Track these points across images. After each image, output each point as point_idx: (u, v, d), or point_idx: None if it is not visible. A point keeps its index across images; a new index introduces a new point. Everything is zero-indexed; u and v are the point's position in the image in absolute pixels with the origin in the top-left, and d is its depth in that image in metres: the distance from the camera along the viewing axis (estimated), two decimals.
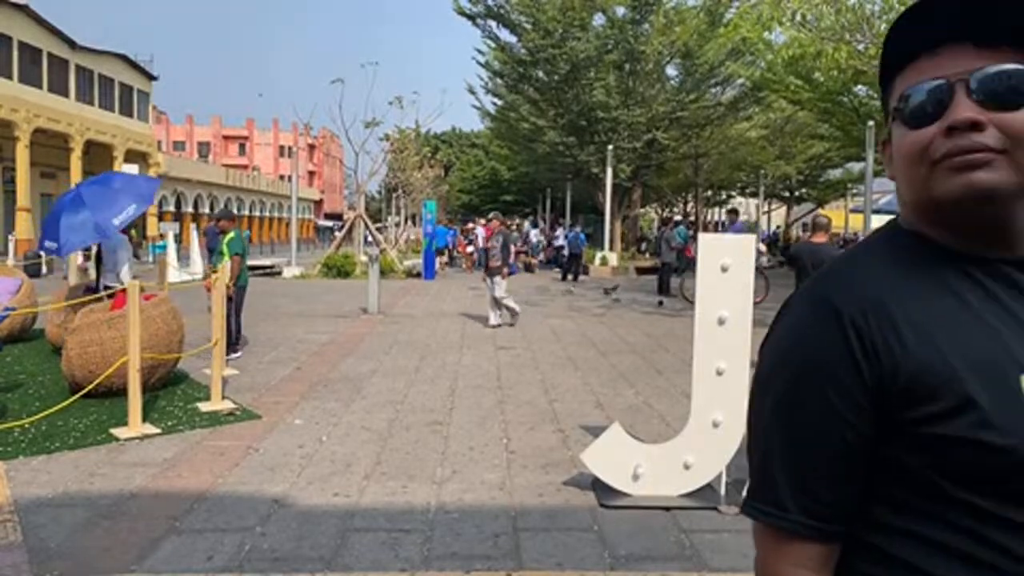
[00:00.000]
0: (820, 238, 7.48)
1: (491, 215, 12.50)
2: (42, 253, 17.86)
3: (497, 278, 10.89)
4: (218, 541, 3.48)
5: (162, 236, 27.24)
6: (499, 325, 10.81)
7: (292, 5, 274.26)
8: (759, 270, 16.20)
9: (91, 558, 3.30)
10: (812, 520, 0.84)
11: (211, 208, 49.02)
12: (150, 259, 25.58)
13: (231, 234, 8.30)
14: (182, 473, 4.39)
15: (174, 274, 15.38)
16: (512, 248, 11.37)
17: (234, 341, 8.17)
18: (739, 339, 4.06)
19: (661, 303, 14.71)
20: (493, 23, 24.98)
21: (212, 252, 8.11)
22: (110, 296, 6.64)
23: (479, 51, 27.09)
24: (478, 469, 4.59)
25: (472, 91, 36.47)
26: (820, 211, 15.10)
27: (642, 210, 40.33)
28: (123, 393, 5.37)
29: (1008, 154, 0.79)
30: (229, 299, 8.10)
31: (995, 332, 0.80)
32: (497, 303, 10.97)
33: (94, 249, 8.01)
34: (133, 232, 8.74)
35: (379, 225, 32.87)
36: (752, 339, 4.15)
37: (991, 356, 0.79)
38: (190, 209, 45.60)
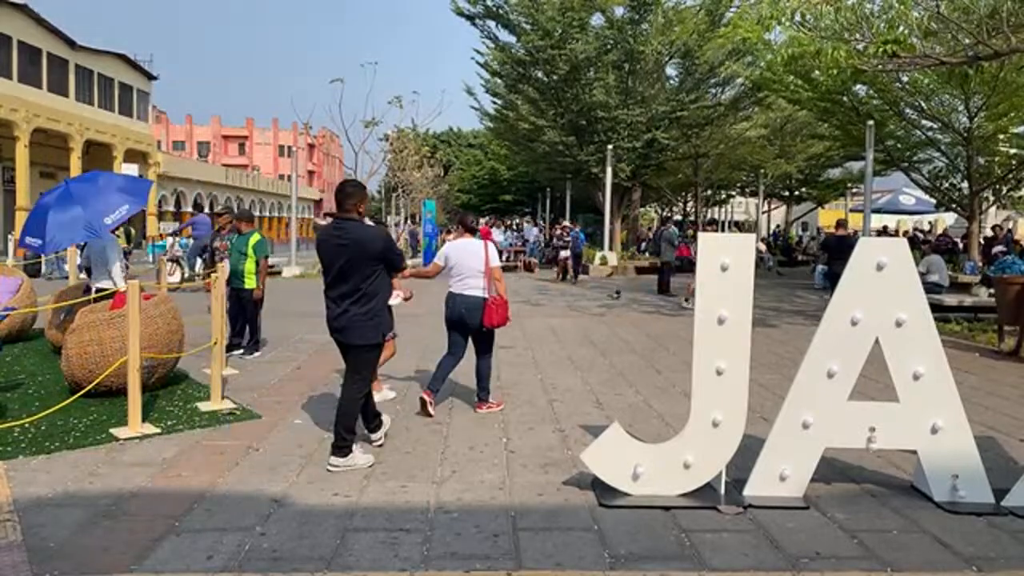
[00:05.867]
0: (842, 231, 12.76)
1: (220, 210, 11.00)
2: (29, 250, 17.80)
3: None
4: (218, 541, 3.49)
5: (162, 236, 27.27)
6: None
7: (293, 5, 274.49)
8: None
9: (91, 558, 3.30)
10: None
11: (211, 208, 48.99)
12: (149, 259, 25.58)
13: (256, 236, 8.30)
14: (182, 473, 4.39)
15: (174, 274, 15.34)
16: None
17: (255, 341, 8.30)
18: (739, 339, 4.07)
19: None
20: (492, 23, 24.96)
21: (206, 249, 8.03)
22: (104, 297, 6.62)
23: (478, 51, 27.06)
24: (478, 469, 4.59)
25: (471, 92, 36.40)
26: (841, 214, 19.15)
27: (642, 210, 40.34)
28: (123, 393, 5.37)
29: None
30: (257, 302, 8.28)
31: None
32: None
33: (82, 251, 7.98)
34: (132, 231, 8.74)
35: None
36: (752, 339, 4.15)
37: None
38: (190, 208, 45.57)
